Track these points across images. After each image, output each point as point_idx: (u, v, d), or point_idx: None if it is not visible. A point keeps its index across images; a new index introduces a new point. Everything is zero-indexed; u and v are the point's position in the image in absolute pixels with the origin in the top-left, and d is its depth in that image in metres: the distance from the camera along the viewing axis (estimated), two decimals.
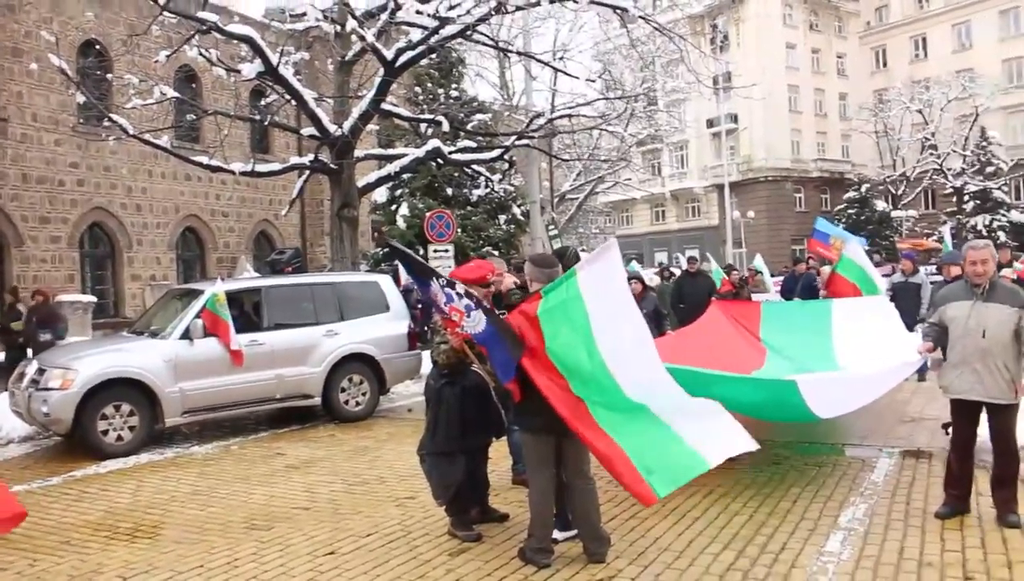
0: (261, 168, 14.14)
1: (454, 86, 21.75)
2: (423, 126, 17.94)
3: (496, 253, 19.28)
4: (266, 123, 14.21)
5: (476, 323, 4.51)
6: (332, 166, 13.52)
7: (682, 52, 14.56)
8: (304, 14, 13.58)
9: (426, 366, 8.84)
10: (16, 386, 8.81)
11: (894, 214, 42.52)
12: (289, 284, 10.51)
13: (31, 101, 19.63)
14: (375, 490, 6.53)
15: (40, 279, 18.74)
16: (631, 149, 32.44)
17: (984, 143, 40.17)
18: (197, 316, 8.96)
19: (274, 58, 12.12)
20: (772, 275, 22.39)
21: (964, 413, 5.10)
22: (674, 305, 13.18)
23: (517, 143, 16.58)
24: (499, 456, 6.07)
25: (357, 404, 10.00)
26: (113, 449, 8.24)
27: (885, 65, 49.67)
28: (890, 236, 39.98)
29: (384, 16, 12.50)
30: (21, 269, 19.33)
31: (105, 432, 8.28)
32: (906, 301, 9.84)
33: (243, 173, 13.57)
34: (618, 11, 13.38)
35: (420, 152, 14.72)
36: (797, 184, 48.25)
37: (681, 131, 41.20)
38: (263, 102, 15.69)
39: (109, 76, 16.46)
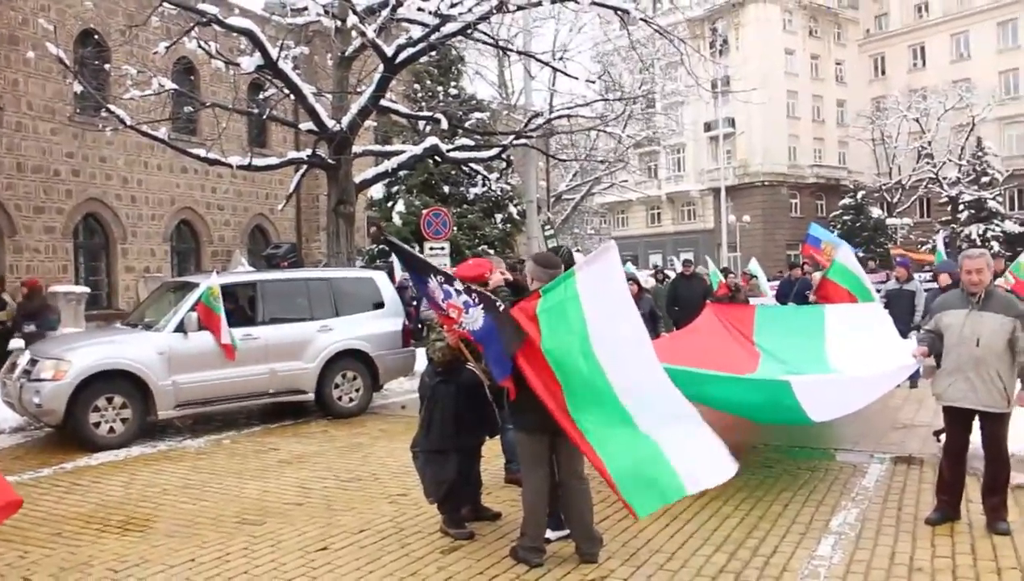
0: (258, 162, 14.10)
1: (453, 84, 21.76)
2: (421, 123, 17.92)
3: (492, 252, 19.28)
4: (264, 117, 14.16)
5: (474, 320, 4.51)
6: (330, 161, 13.50)
7: (682, 55, 14.58)
8: (304, 8, 13.54)
9: (420, 363, 8.85)
10: (8, 376, 8.77)
11: (889, 222, 42.69)
12: (284, 279, 10.49)
13: (27, 89, 19.52)
14: (368, 487, 6.52)
15: (33, 269, 18.67)
16: (628, 151, 32.49)
17: (980, 153, 40.39)
18: (192, 309, 8.93)
19: (274, 52, 12.11)
20: (768, 280, 22.41)
21: (957, 421, 5.13)
22: (669, 307, 13.23)
23: (515, 142, 16.60)
24: (491, 455, 6.06)
25: (350, 400, 9.99)
26: (105, 441, 8.22)
27: (883, 73, 49.87)
28: (884, 243, 40.13)
29: (385, 12, 12.48)
30: (14, 259, 19.23)
31: (97, 424, 8.25)
32: (900, 308, 9.88)
33: (240, 167, 13.54)
34: (619, 12, 13.41)
35: (418, 149, 14.72)
36: (793, 189, 48.40)
37: (678, 134, 41.31)
38: (262, 96, 15.66)
39: (107, 66, 16.39)
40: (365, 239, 23.96)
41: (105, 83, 17.39)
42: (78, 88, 12.92)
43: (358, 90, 14.06)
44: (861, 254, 22.47)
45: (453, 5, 11.95)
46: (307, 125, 13.63)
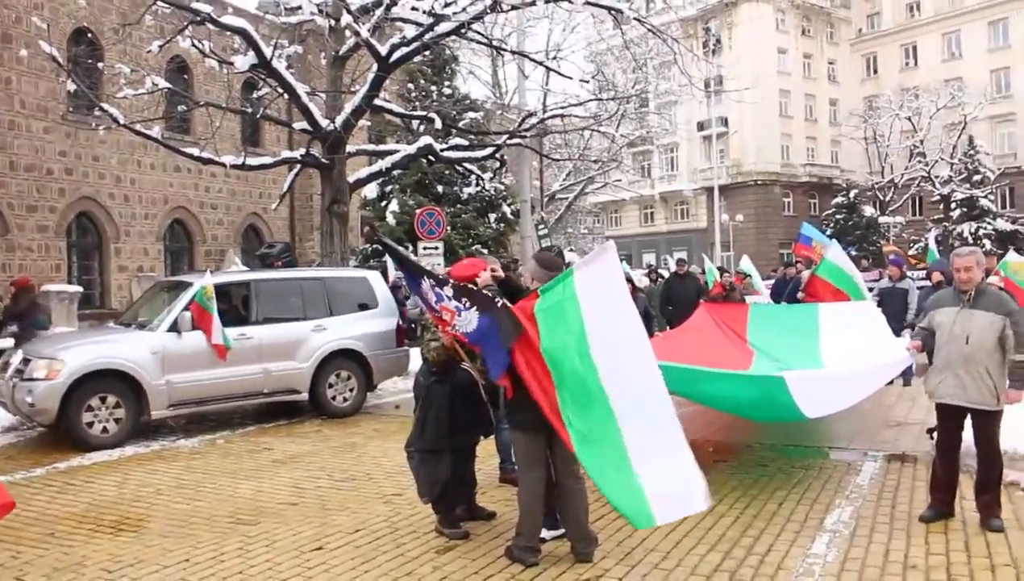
0: (252, 161, 14.08)
1: (447, 83, 21.74)
2: (415, 123, 17.91)
3: (485, 251, 19.27)
4: (258, 116, 14.13)
5: (467, 322, 4.51)
6: (323, 161, 13.47)
7: (675, 54, 14.60)
8: (298, 8, 13.53)
9: (414, 363, 8.84)
10: (0, 375, 8.74)
11: (882, 220, 42.85)
12: (278, 278, 10.47)
13: (20, 88, 19.44)
14: (362, 486, 6.52)
15: (26, 268, 18.59)
16: (622, 150, 32.49)
17: (972, 152, 40.54)
18: (185, 309, 8.91)
19: (267, 51, 12.07)
20: (762, 278, 22.44)
21: (949, 418, 5.15)
22: (663, 307, 13.25)
23: (509, 142, 16.59)
24: (486, 454, 6.07)
25: (344, 400, 9.98)
26: (98, 441, 8.19)
27: (876, 72, 49.99)
28: (877, 242, 40.28)
29: (379, 12, 12.47)
30: (7, 258, 19.17)
31: (90, 424, 8.22)
32: (893, 306, 9.92)
33: (234, 166, 13.50)
34: (612, 12, 13.41)
35: (412, 149, 14.70)
36: (786, 188, 48.49)
37: (672, 133, 41.30)
38: (255, 95, 15.62)
39: (100, 65, 16.33)
40: (359, 239, 23.94)
41: (98, 82, 17.34)
42: (71, 87, 12.85)
43: (352, 89, 14.03)
44: (854, 253, 22.54)
45: (447, 5, 11.94)
46: (301, 124, 13.60)
